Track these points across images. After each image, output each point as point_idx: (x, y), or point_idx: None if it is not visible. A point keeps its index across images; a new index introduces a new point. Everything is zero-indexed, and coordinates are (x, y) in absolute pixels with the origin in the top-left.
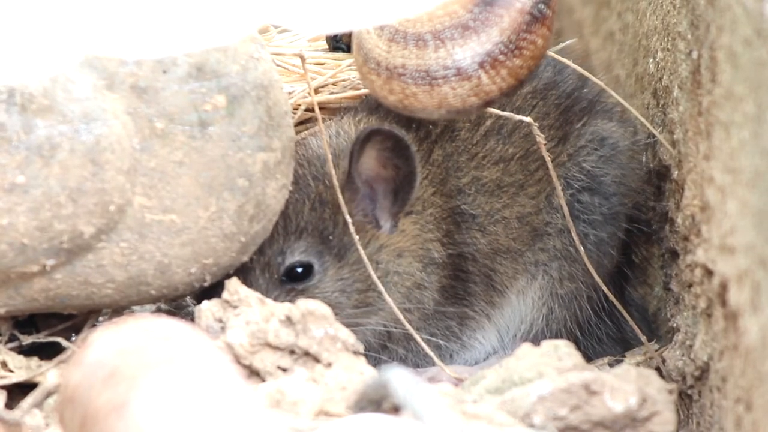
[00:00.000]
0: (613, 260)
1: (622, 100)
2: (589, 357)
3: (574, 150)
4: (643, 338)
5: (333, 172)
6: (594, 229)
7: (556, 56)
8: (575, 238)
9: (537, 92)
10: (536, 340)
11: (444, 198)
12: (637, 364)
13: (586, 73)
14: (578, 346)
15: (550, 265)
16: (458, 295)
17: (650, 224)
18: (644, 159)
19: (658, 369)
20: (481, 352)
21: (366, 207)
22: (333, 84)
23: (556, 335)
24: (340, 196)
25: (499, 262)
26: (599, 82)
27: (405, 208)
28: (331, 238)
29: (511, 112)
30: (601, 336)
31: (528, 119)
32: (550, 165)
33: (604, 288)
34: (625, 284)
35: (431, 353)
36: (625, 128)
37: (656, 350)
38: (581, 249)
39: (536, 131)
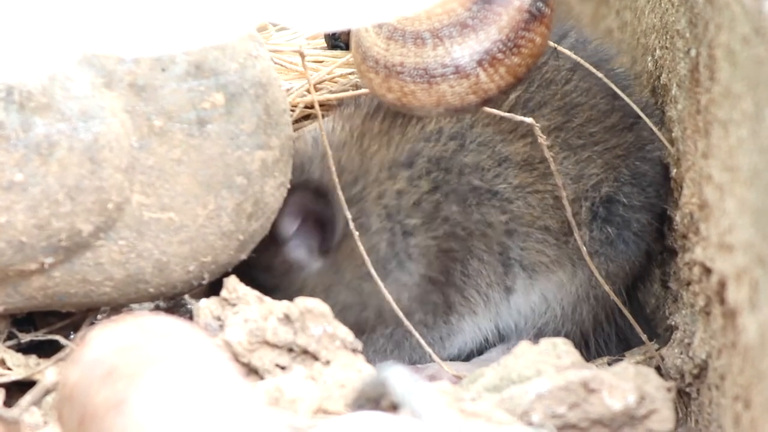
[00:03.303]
0: (644, 253)
1: (623, 95)
2: (587, 357)
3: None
4: (644, 337)
5: (333, 169)
6: (635, 213)
7: (558, 46)
8: (578, 238)
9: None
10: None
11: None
12: (636, 363)
13: (588, 66)
14: (587, 347)
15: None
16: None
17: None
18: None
19: (657, 367)
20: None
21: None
22: (331, 80)
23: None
24: (340, 194)
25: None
26: (600, 74)
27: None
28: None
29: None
30: (608, 340)
31: (530, 120)
32: (553, 167)
33: (609, 291)
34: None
35: (430, 350)
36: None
37: (656, 350)
38: (583, 248)
39: (538, 132)
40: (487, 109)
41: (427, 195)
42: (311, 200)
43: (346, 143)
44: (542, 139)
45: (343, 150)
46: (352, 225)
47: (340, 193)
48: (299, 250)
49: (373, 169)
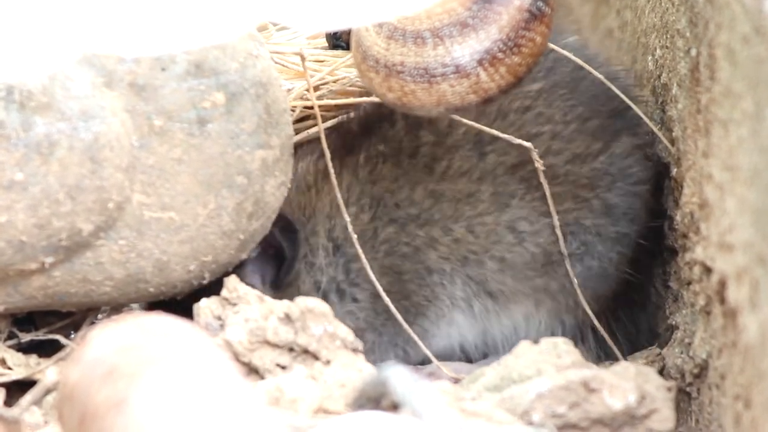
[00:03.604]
0: (615, 282)
1: (623, 96)
2: None
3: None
4: (621, 358)
5: (332, 171)
6: (607, 246)
7: (557, 48)
8: (569, 269)
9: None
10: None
11: None
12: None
13: (587, 67)
14: None
15: (559, 294)
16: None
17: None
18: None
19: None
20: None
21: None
22: (333, 81)
23: None
24: (339, 198)
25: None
26: (600, 76)
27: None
28: None
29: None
30: (592, 357)
31: (528, 144)
32: (547, 191)
33: (591, 313)
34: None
35: (427, 351)
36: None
37: (657, 354)
38: (573, 276)
39: (535, 157)
40: (486, 129)
41: (367, 224)
42: (278, 234)
43: (311, 186)
44: (539, 164)
45: (309, 192)
46: (350, 228)
47: (340, 199)
48: (253, 276)
49: (326, 208)
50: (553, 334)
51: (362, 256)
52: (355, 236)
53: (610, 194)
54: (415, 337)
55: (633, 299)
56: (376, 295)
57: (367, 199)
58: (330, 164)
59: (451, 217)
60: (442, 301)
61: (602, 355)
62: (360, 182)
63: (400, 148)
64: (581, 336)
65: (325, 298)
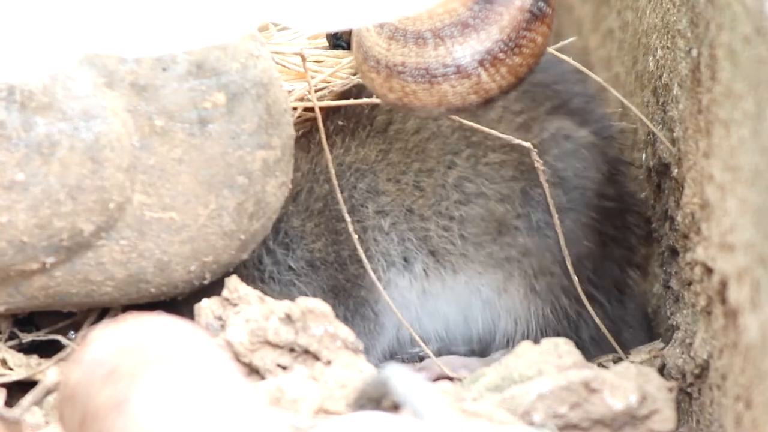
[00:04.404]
0: (576, 250)
1: (621, 98)
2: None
3: (538, 142)
4: (618, 348)
5: (332, 171)
6: (561, 215)
7: (555, 53)
8: (559, 233)
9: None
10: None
11: None
12: (641, 362)
13: (586, 70)
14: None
15: (522, 261)
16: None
17: (642, 225)
18: (611, 154)
19: (660, 367)
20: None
21: None
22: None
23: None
24: (339, 196)
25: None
26: (598, 79)
27: None
28: None
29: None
30: (592, 334)
31: (527, 144)
32: (546, 190)
33: (576, 284)
34: (626, 286)
35: (426, 348)
36: (588, 126)
37: (660, 349)
38: (570, 265)
39: (535, 157)
40: (486, 129)
41: (302, 183)
42: None
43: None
44: (538, 164)
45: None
46: (351, 228)
47: (339, 196)
48: None
49: None
50: (528, 305)
51: (362, 256)
52: (355, 237)
53: (560, 163)
54: (393, 307)
55: (601, 272)
56: (313, 265)
57: (308, 165)
58: (330, 164)
59: (399, 168)
60: (376, 262)
61: (581, 324)
62: (307, 154)
63: (359, 119)
64: (559, 306)
65: (259, 261)
